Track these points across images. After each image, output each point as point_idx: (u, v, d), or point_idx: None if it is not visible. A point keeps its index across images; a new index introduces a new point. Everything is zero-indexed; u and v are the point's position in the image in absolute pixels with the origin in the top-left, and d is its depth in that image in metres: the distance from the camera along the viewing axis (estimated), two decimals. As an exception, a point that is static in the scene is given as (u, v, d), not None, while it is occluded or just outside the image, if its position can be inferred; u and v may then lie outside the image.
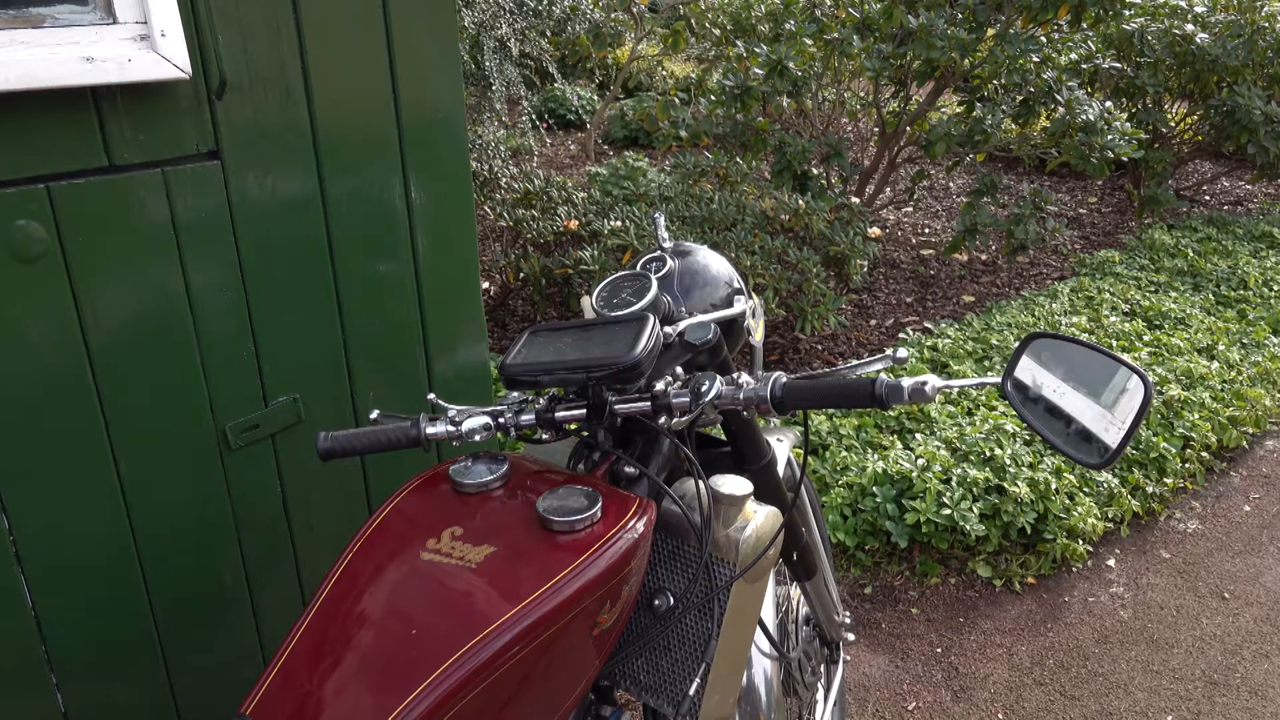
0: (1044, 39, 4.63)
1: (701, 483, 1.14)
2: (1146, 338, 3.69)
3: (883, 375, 0.99)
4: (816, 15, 4.76)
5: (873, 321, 4.19)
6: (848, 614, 1.80)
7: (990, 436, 2.83)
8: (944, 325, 3.86)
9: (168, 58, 1.24)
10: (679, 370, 1.18)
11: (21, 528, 1.29)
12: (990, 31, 4.49)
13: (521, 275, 3.99)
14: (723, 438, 1.41)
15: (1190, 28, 5.23)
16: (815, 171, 4.64)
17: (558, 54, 6.37)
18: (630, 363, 1.05)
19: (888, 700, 2.18)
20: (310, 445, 1.57)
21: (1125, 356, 0.92)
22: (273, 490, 1.54)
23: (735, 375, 1.13)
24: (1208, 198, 6.21)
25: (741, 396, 1.09)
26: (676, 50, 6.91)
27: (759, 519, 1.17)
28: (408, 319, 1.68)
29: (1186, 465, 2.99)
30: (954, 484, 2.64)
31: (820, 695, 1.80)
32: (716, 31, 6.77)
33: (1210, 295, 4.22)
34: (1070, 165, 4.94)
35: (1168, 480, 2.89)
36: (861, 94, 5.77)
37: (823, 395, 1.03)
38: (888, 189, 5.89)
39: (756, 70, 4.57)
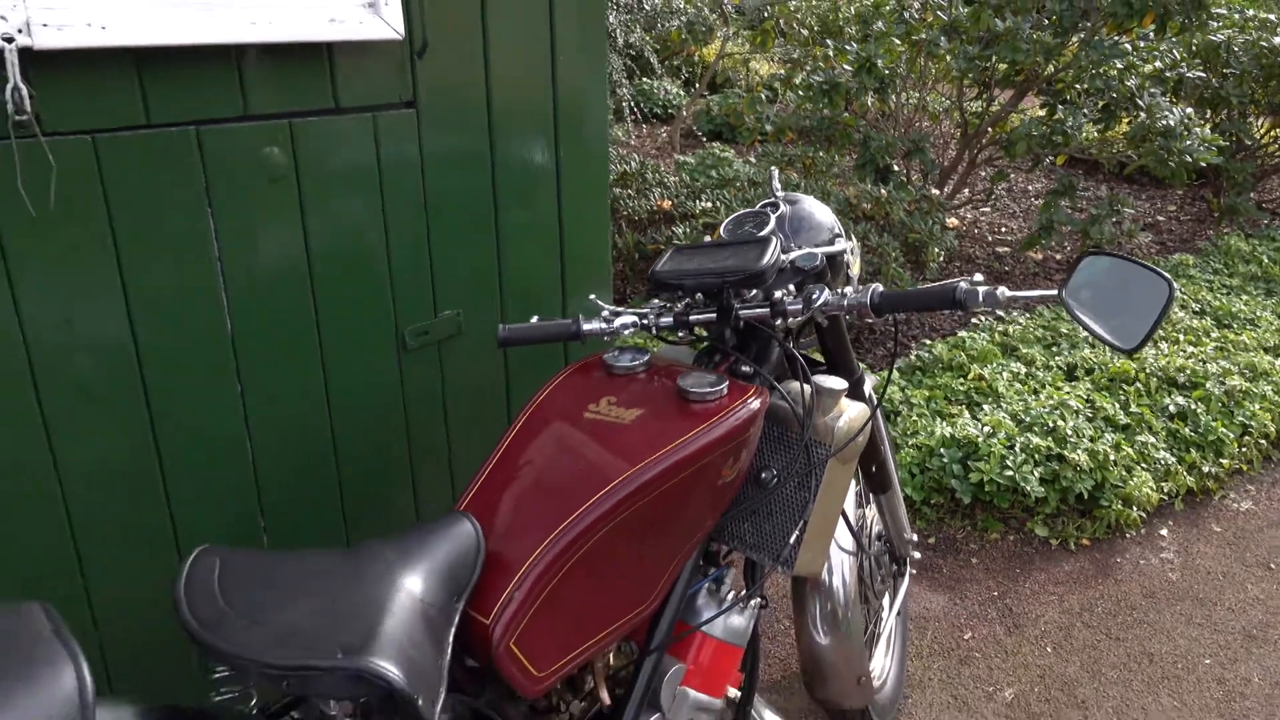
0: (1128, 46, 4.76)
1: (804, 377, 1.41)
2: (1214, 334, 3.83)
3: (961, 283, 1.25)
4: (905, 17, 4.96)
5: (945, 310, 4.39)
6: (914, 534, 2.04)
7: (1054, 411, 3.03)
8: (1015, 314, 4.04)
9: (388, 21, 1.55)
10: (791, 288, 1.44)
11: (250, 394, 1.61)
12: (1075, 38, 4.65)
13: (615, 250, 4.29)
14: (819, 359, 1.67)
15: (1279, 40, 5.30)
16: (896, 167, 4.85)
17: (656, 46, 6.64)
18: (759, 270, 1.32)
19: (946, 630, 2.42)
20: (466, 352, 1.87)
21: (1156, 266, 1.16)
22: (435, 388, 1.85)
23: (839, 289, 1.39)
24: (1290, 211, 6.24)
25: (845, 303, 1.35)
26: (765, 50, 7.15)
27: (851, 411, 1.43)
28: (550, 259, 1.97)
29: (1243, 450, 3.15)
30: (1017, 450, 2.86)
31: (886, 604, 2.05)
32: (804, 32, 6.99)
33: (1282, 300, 4.32)
34: (1150, 173, 5.06)
35: (1224, 461, 3.06)
36: (944, 98, 5.95)
37: (912, 301, 1.29)
38: (966, 189, 6.05)
39: (845, 67, 4.80)
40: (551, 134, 1.89)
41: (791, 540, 1.40)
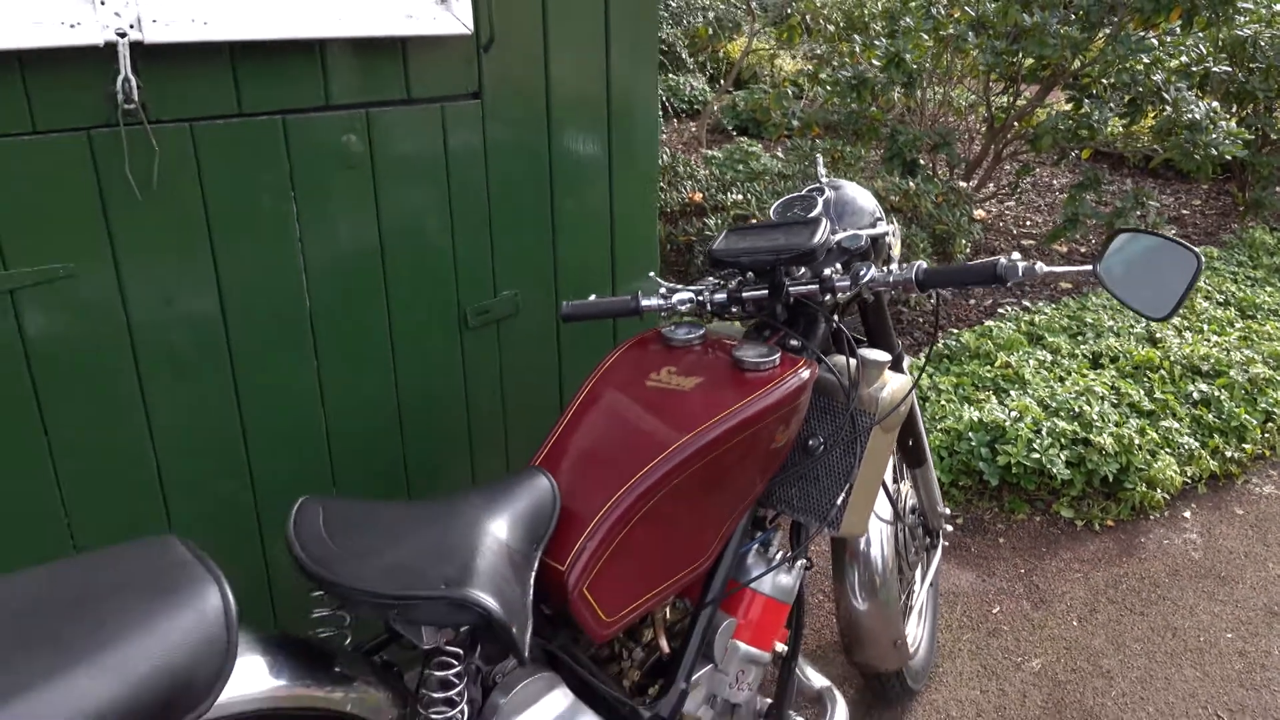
0: (1154, 41, 4.81)
1: (850, 350, 1.50)
2: (1238, 325, 3.89)
3: (1001, 259, 1.34)
4: (932, 12, 5.03)
5: (971, 301, 4.47)
6: (947, 508, 2.13)
7: (1079, 397, 3.11)
8: (1041, 305, 4.12)
9: (459, 17, 1.66)
10: (838, 266, 1.54)
11: (325, 365, 1.72)
12: (1102, 33, 4.70)
13: (648, 241, 4.38)
14: (860, 337, 1.77)
15: (1305, 35, 5.33)
16: (923, 161, 4.92)
17: (685, 41, 6.72)
18: (811, 248, 1.41)
19: (975, 604, 2.51)
20: (523, 331, 1.97)
21: (1183, 240, 1.25)
22: (494, 365, 1.95)
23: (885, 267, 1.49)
24: (1316, 205, 6.26)
25: (891, 279, 1.44)
26: (791, 45, 7.22)
27: (894, 382, 1.52)
28: (601, 245, 2.07)
29: (1266, 436, 3.22)
30: (1043, 434, 2.94)
31: (919, 575, 2.14)
32: (830, 28, 7.05)
33: (1306, 292, 4.37)
34: (1175, 167, 5.11)
35: (1246, 447, 3.13)
36: (969, 93, 6.01)
37: (954, 276, 1.38)
38: (991, 183, 6.11)
39: (874, 62, 4.87)
40: (605, 127, 1.99)
41: (838, 502, 1.49)
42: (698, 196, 4.38)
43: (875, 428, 1.50)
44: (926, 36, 4.87)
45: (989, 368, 3.42)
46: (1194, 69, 5.23)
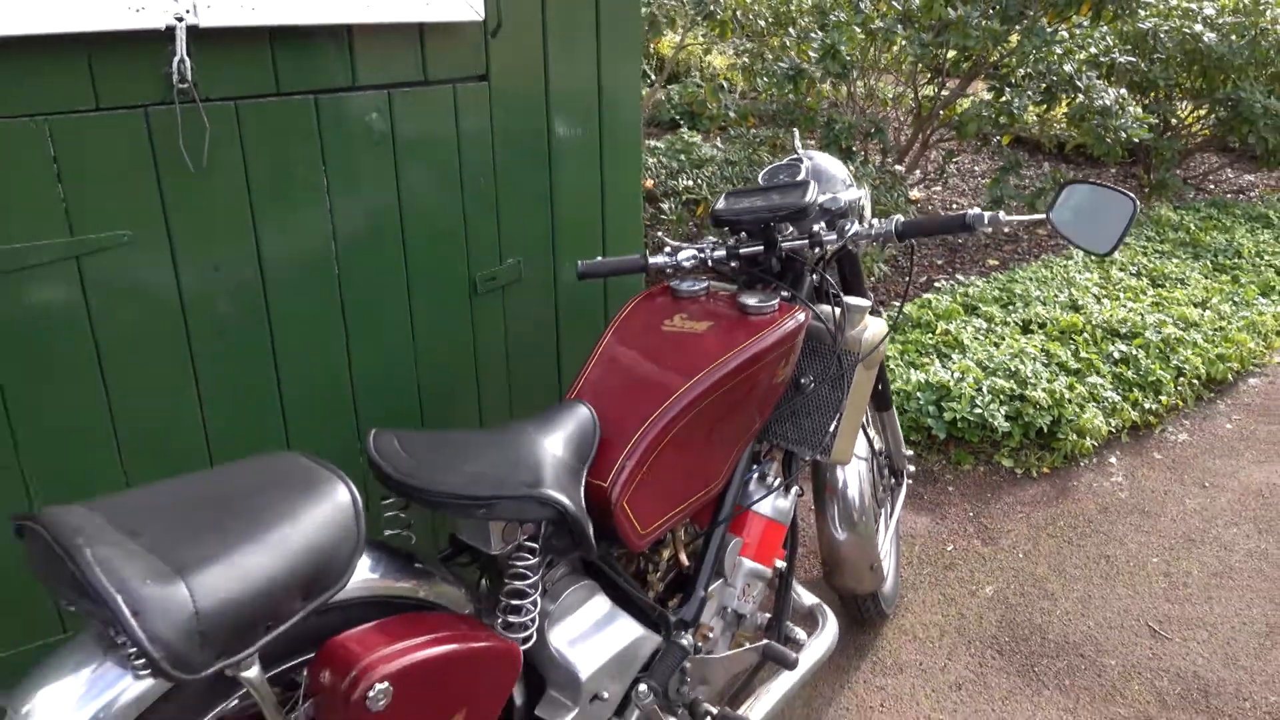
0: (1066, 34, 5.17)
1: (835, 298, 1.71)
2: (1150, 292, 4.24)
3: (970, 211, 1.56)
4: (861, 7, 5.31)
5: (907, 278, 4.75)
6: (909, 451, 2.36)
7: (1014, 358, 3.39)
8: (973, 279, 4.41)
9: (472, 4, 1.81)
10: (823, 224, 1.74)
11: (352, 326, 1.86)
12: (1019, 26, 5.03)
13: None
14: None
15: (1199, 28, 5.77)
16: (856, 148, 5.19)
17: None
18: (804, 205, 1.61)
19: (931, 544, 2.75)
20: (525, 295, 2.13)
21: (1121, 188, 1.48)
22: (499, 325, 2.11)
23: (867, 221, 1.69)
24: (1212, 186, 6.74)
25: (873, 232, 1.65)
26: (724, 39, 7.46)
27: (874, 325, 1.74)
28: (593, 217, 2.24)
29: (1179, 390, 3.54)
30: (984, 391, 3.21)
31: (886, 512, 2.36)
32: (761, 23, 7.32)
33: (1208, 263, 4.77)
34: (1087, 151, 5.48)
35: (1162, 399, 3.45)
36: (894, 86, 6.33)
37: (929, 226, 1.60)
38: (919, 169, 6.44)
39: (810, 54, 5.13)
40: (596, 108, 2.16)
41: (830, 430, 1.70)
42: (649, 183, 4.58)
43: (859, 365, 1.71)
44: (859, 29, 5.14)
45: (930, 335, 3.68)
46: (1102, 59, 5.62)
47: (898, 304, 4.05)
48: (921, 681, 2.22)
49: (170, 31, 1.50)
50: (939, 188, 6.37)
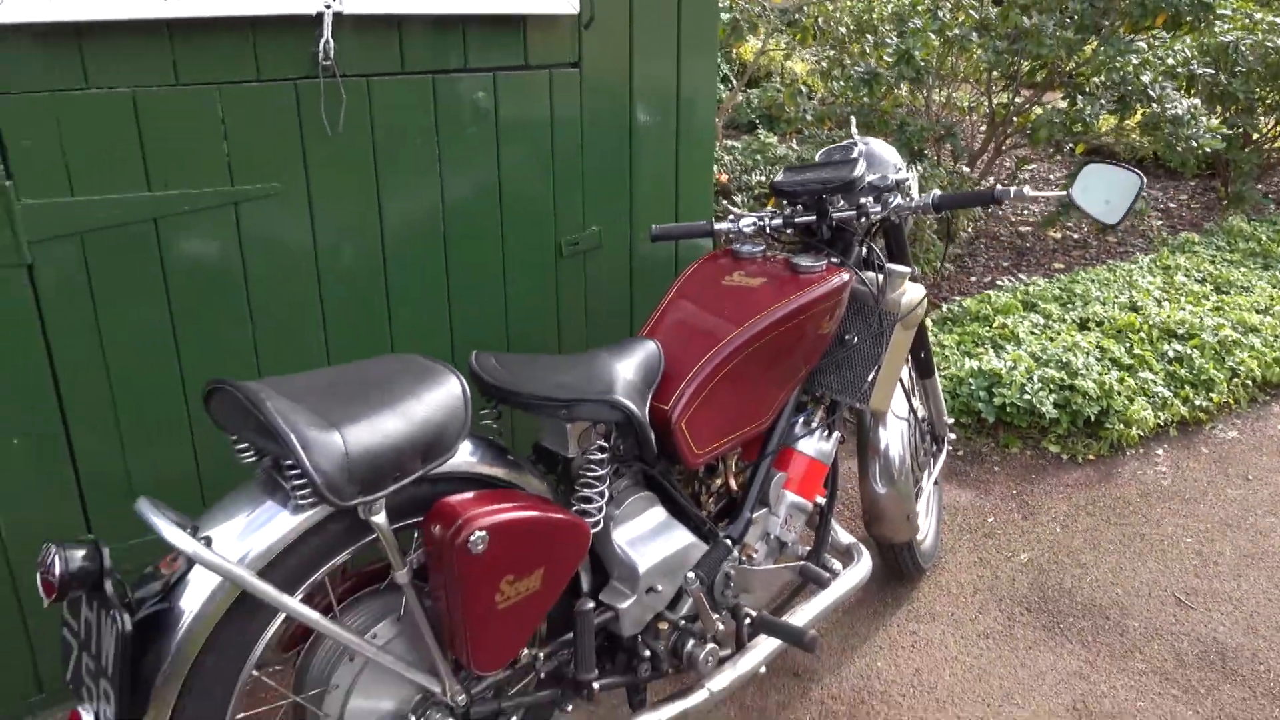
0: (1143, 44, 5.25)
1: (878, 264, 1.92)
2: (1212, 298, 4.32)
3: (997, 186, 1.76)
4: (938, 15, 5.47)
5: (972, 279, 4.89)
6: (951, 418, 2.55)
7: (1067, 351, 3.53)
8: (1035, 278, 4.54)
9: None
10: (870, 198, 1.96)
11: (453, 281, 2.14)
12: (1094, 35, 5.13)
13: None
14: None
15: (1282, 41, 5.77)
16: (929, 152, 5.35)
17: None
18: (854, 178, 1.84)
19: (972, 516, 2.93)
20: (604, 261, 2.39)
21: (1132, 166, 1.68)
22: (579, 287, 2.37)
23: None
24: (1294, 202, 6.69)
25: (913, 204, 1.87)
26: (804, 45, 7.65)
27: (913, 289, 1.95)
28: (668, 195, 2.50)
29: (1232, 390, 3.64)
30: (1035, 380, 3.36)
31: (926, 476, 2.56)
32: (841, 30, 7.50)
33: (1278, 274, 4.80)
34: (1164, 162, 5.53)
35: (1214, 397, 3.55)
36: (971, 95, 6.45)
37: (961, 200, 1.80)
38: (991, 175, 6.55)
39: (886, 59, 5.31)
40: (674, 97, 2.41)
41: (869, 379, 1.92)
42: (724, 177, 4.81)
43: (897, 324, 1.93)
44: (934, 36, 5.30)
45: (987, 328, 3.84)
46: (1179, 71, 5.66)
47: (958, 298, 4.21)
48: (951, 629, 2.41)
49: (319, 16, 1.79)
50: (1011, 194, 6.45)
